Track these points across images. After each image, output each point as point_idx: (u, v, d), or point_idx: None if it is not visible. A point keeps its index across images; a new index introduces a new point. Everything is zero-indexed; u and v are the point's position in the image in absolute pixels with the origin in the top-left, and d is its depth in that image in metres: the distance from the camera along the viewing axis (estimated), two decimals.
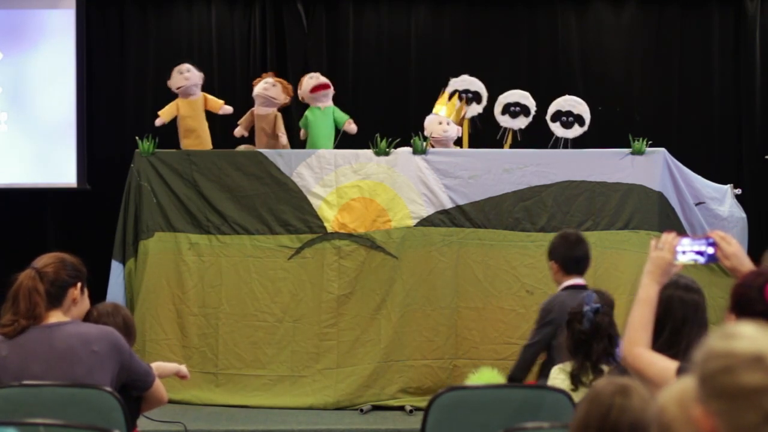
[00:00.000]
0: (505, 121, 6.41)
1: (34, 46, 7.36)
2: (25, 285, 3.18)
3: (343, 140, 6.37)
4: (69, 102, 7.31)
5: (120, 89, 7.80)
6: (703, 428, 1.60)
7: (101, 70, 7.78)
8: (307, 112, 6.36)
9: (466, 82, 6.49)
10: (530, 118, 6.42)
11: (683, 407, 1.77)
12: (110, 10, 7.84)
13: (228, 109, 6.44)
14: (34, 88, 7.35)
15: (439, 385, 5.94)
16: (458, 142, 6.42)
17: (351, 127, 6.33)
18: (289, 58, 7.77)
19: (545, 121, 6.37)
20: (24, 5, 7.41)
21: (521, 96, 6.46)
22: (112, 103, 7.78)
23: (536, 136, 6.46)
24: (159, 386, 3.42)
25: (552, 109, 6.34)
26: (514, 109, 6.37)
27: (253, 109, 6.44)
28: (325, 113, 6.33)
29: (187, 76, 6.37)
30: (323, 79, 6.38)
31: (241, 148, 6.63)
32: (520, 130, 6.42)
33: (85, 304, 3.36)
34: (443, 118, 6.32)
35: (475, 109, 6.47)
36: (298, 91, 6.42)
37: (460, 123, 6.42)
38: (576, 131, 6.29)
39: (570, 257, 4.65)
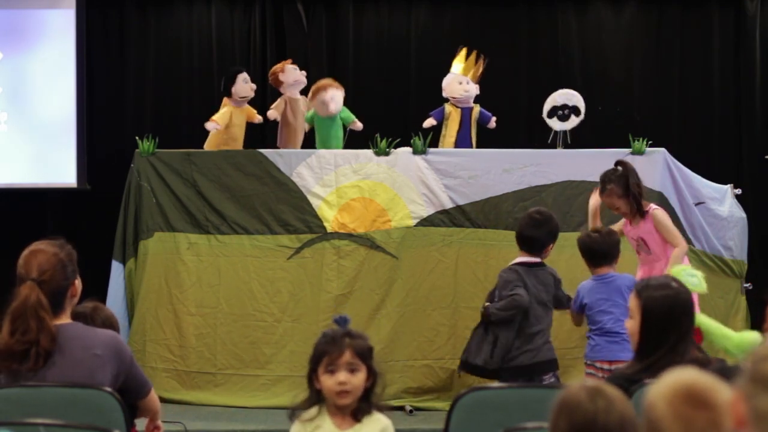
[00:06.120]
0: (554, 124, 6.25)
1: (34, 46, 7.36)
2: (32, 303, 3.08)
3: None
4: (69, 102, 7.31)
5: (120, 89, 7.80)
6: (734, 410, 1.61)
7: (101, 70, 7.78)
8: (314, 111, 6.36)
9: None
10: (582, 116, 6.26)
11: (671, 404, 1.78)
12: (110, 10, 7.84)
13: (270, 116, 6.47)
14: (34, 88, 7.35)
15: (440, 386, 5.96)
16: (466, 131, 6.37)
17: (357, 125, 6.33)
18: (289, 59, 7.76)
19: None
20: (24, 5, 7.40)
21: (568, 96, 6.29)
22: (112, 103, 7.78)
23: (540, 136, 6.45)
24: (154, 397, 3.42)
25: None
26: (563, 113, 6.22)
27: (286, 96, 6.44)
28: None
29: (252, 86, 6.44)
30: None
31: None
32: (571, 130, 6.27)
33: (79, 290, 3.32)
34: (462, 77, 6.32)
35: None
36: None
37: (477, 81, 6.40)
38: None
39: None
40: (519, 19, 7.90)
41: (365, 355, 2.95)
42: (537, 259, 4.94)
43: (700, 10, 7.88)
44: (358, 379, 2.92)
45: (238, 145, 6.38)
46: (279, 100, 6.48)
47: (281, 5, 7.84)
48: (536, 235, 4.94)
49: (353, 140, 6.39)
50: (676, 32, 7.89)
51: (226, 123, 6.31)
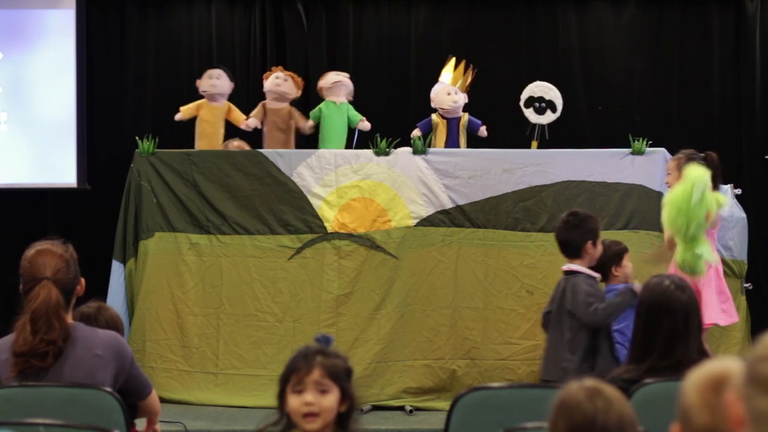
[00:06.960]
0: (530, 115, 6.27)
1: (34, 46, 7.36)
2: (53, 302, 3.09)
3: (350, 140, 6.38)
4: (69, 102, 7.31)
5: (120, 89, 7.80)
6: (732, 412, 1.61)
7: (101, 70, 7.78)
8: (321, 105, 6.37)
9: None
10: (558, 113, 6.28)
11: (701, 392, 1.79)
12: (110, 10, 7.84)
13: (250, 124, 6.41)
14: (34, 88, 7.35)
15: (440, 386, 5.96)
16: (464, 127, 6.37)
17: (364, 124, 6.35)
18: (289, 58, 7.76)
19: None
20: (24, 5, 7.41)
21: (545, 89, 6.30)
22: (112, 103, 7.78)
23: (540, 137, 6.45)
24: (154, 398, 3.43)
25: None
26: (539, 105, 6.24)
27: (264, 102, 6.44)
28: (339, 108, 6.34)
29: (214, 83, 6.40)
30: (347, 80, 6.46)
31: (234, 144, 6.60)
32: (548, 126, 6.28)
33: (83, 289, 3.32)
34: (450, 87, 6.32)
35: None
36: (319, 82, 6.46)
37: (466, 90, 6.39)
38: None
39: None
40: (519, 19, 7.90)
41: (339, 376, 2.60)
42: (574, 267, 4.83)
43: (700, 10, 7.87)
44: (328, 401, 2.57)
45: (211, 142, 6.33)
46: (258, 106, 6.48)
47: (281, 5, 7.84)
48: (566, 238, 4.88)
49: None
50: (676, 32, 7.89)
51: (192, 115, 6.38)
